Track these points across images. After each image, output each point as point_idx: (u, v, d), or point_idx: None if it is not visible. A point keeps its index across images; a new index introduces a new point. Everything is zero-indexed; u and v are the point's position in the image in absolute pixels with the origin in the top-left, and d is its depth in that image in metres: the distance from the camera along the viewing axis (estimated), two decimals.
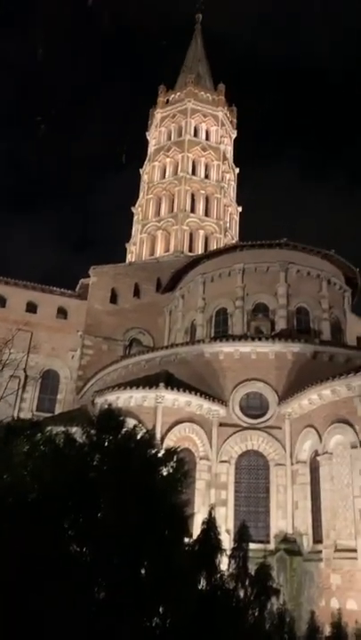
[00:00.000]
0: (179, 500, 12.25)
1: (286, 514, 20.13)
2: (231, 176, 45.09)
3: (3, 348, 21.59)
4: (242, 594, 11.49)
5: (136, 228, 42.77)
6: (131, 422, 15.93)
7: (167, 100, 46.32)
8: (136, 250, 41.20)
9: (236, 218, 44.33)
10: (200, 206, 40.81)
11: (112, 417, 12.62)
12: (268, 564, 12.19)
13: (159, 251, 39.36)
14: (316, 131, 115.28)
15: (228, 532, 18.47)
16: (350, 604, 16.20)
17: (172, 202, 40.79)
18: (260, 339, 23.46)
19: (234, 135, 47.54)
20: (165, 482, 12.24)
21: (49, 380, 31.56)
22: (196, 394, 21.57)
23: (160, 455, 13.13)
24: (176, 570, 10.81)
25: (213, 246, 38.71)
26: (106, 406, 14.55)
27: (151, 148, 45.18)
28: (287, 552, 19.06)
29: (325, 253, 29.24)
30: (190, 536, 13.05)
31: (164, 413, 20.81)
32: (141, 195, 43.88)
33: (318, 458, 19.07)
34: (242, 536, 12.33)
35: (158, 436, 19.86)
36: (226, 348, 23.17)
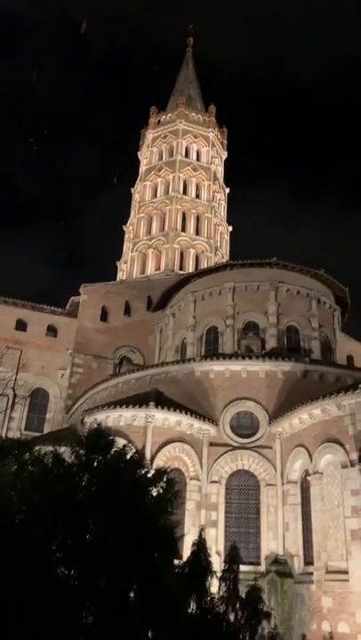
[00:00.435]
0: (168, 521, 12.12)
1: (277, 535, 19.92)
2: (222, 196, 45.58)
3: None
4: (232, 617, 11.32)
5: (127, 246, 42.95)
6: (120, 442, 15.79)
7: (159, 121, 46.94)
8: (127, 268, 41.32)
9: (227, 237, 44.69)
10: (191, 225, 41.12)
11: (101, 436, 12.52)
12: (258, 586, 12.06)
13: (150, 269, 39.49)
14: (305, 152, 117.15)
15: (218, 553, 18.23)
16: (342, 627, 15.97)
17: (164, 221, 41.08)
18: (250, 357, 23.47)
19: (224, 156, 48.17)
20: (155, 502, 12.12)
21: (38, 399, 31.26)
22: (186, 413, 21.44)
23: (150, 475, 13.02)
24: (166, 593, 10.64)
25: (204, 265, 38.90)
26: (95, 425, 14.46)
27: (142, 168, 45.62)
28: (278, 574, 18.82)
29: (315, 272, 29.47)
30: (180, 558, 12.90)
31: (155, 433, 20.64)
32: (132, 213, 44.17)
33: (309, 478, 18.95)
34: (232, 558, 12.21)
35: (148, 455, 19.71)
36: (216, 367, 23.15)
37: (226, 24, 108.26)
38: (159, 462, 19.61)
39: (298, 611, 17.89)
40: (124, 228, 44.79)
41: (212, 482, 21.07)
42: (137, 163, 48.19)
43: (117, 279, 41.52)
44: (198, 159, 44.61)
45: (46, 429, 29.92)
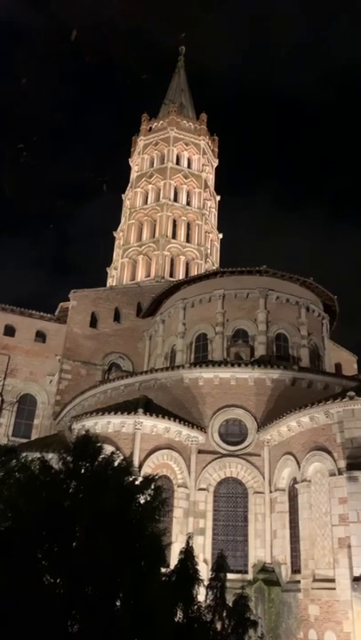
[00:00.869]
0: (156, 528, 12.09)
1: (265, 543, 19.89)
2: (212, 203, 45.77)
3: None
4: (219, 626, 11.30)
5: (117, 252, 42.93)
6: (108, 449, 15.76)
7: (150, 128, 47.11)
8: (117, 274, 41.28)
9: (217, 244, 44.84)
10: (181, 232, 41.22)
11: (89, 443, 12.48)
12: (245, 594, 12.07)
13: (140, 275, 39.49)
14: (297, 160, 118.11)
15: (205, 561, 18.18)
16: (328, 635, 15.95)
17: (154, 227, 41.15)
18: (239, 365, 23.50)
19: (215, 163, 48.42)
20: (142, 510, 12.08)
21: (26, 405, 31.03)
22: (175, 420, 21.40)
23: (138, 483, 12.98)
24: (152, 601, 10.59)
25: (194, 272, 38.97)
26: (83, 432, 14.39)
27: (134, 175, 45.71)
28: (265, 582, 18.78)
29: (304, 280, 29.64)
30: (167, 566, 12.86)
31: (143, 440, 20.56)
32: (123, 220, 44.20)
33: (297, 486, 18.96)
34: (219, 566, 12.20)
35: (136, 462, 19.64)
36: (205, 374, 23.15)
37: (218, 34, 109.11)
38: (147, 469, 19.54)
39: (285, 619, 17.84)
40: (115, 234, 44.80)
41: (200, 489, 21.01)
42: (128, 169, 48.31)
43: (107, 285, 41.46)
44: (189, 166, 44.80)
45: (34, 436, 29.70)
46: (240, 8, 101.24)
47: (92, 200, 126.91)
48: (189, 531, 19.02)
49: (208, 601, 11.51)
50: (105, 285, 41.43)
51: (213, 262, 42.80)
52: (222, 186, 50.27)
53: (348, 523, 16.30)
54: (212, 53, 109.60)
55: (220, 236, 45.35)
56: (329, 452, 17.84)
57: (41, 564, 10.36)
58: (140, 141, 46.39)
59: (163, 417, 21.18)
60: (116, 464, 12.66)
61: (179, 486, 20.90)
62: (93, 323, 32.58)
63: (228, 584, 12.39)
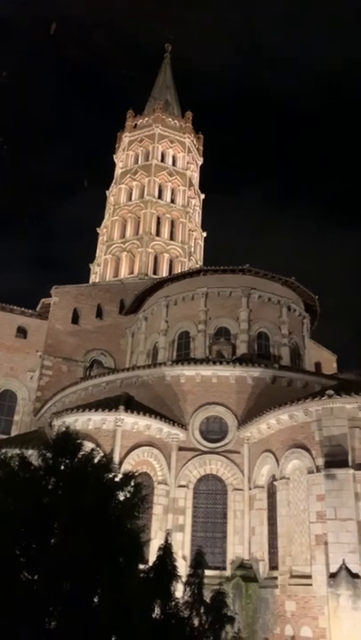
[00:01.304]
0: (135, 525, 12.11)
1: (243, 539, 20.07)
2: (197, 202, 45.84)
3: None
4: (196, 622, 11.37)
5: (100, 248, 42.77)
6: (88, 445, 15.72)
7: (135, 125, 46.96)
8: (100, 271, 41.13)
9: (201, 243, 44.93)
10: (165, 230, 41.20)
11: (69, 440, 12.44)
12: (223, 591, 12.15)
13: (123, 272, 39.40)
14: (283, 160, 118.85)
15: (184, 558, 18.27)
16: (305, 631, 16.18)
17: (138, 224, 41.07)
18: (221, 362, 23.63)
19: (200, 162, 48.48)
20: (122, 507, 12.09)
21: (6, 401, 30.81)
22: (156, 417, 21.45)
23: (117, 479, 13.00)
24: (130, 598, 10.62)
25: (178, 270, 39.02)
26: (63, 429, 14.34)
27: (118, 171, 45.55)
28: (243, 579, 18.96)
29: (286, 280, 29.88)
30: (146, 562, 12.90)
31: (124, 437, 20.58)
32: (107, 216, 44.03)
33: (276, 483, 19.17)
34: (198, 563, 12.27)
35: (117, 459, 19.64)
36: (187, 372, 23.23)
37: (205, 33, 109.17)
38: (127, 466, 19.57)
39: (262, 615, 18.04)
40: (98, 230, 44.62)
41: (180, 486, 21.11)
42: (112, 165, 48.11)
43: (90, 282, 41.27)
44: (174, 164, 44.79)
45: (14, 432, 29.52)
46: (228, 8, 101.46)
47: (75, 196, 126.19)
48: (169, 527, 19.10)
49: (186, 597, 11.56)
50: (88, 282, 41.25)
51: (197, 260, 42.90)
52: (208, 185, 50.35)
53: (326, 520, 16.54)
54: (199, 52, 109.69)
55: (204, 234, 45.45)
56: (308, 450, 18.06)
57: (19, 561, 10.33)
58: (125, 138, 46.24)
59: (144, 414, 21.21)
60: (95, 461, 12.64)
61: (159, 483, 20.98)
62: (75, 319, 32.45)
63: (206, 580, 12.47)
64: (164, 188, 42.93)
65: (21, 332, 32.02)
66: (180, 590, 11.73)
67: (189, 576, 11.96)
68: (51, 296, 32.47)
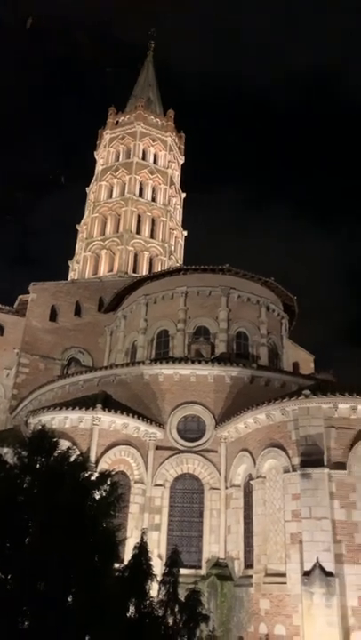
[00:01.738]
0: (110, 524, 12.08)
1: (219, 538, 20.14)
2: (178, 200, 45.81)
3: None
4: (171, 621, 11.38)
5: (80, 245, 42.46)
6: (65, 444, 15.63)
7: (117, 122, 46.73)
8: (79, 268, 40.83)
9: (182, 242, 44.94)
10: (146, 228, 41.10)
11: (45, 438, 12.35)
12: (198, 589, 12.20)
13: (103, 270, 39.17)
14: (264, 160, 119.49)
15: (160, 557, 18.25)
16: (278, 629, 16.31)
17: (118, 222, 40.88)
18: (199, 362, 23.65)
19: (182, 161, 48.46)
20: (97, 506, 12.04)
21: None
22: (133, 416, 21.38)
23: (94, 478, 12.94)
24: (105, 597, 10.58)
25: (158, 268, 38.96)
26: (39, 427, 14.21)
27: (99, 168, 45.27)
28: (218, 577, 19.02)
29: (265, 280, 30.09)
30: (121, 561, 12.86)
31: (101, 435, 20.46)
32: (87, 213, 43.73)
33: (252, 482, 19.26)
34: (173, 562, 12.29)
35: (93, 458, 19.55)
36: (166, 371, 23.21)
37: (187, 32, 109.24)
38: (104, 465, 19.47)
39: (236, 613, 18.13)
40: (78, 227, 44.29)
41: (157, 485, 21.08)
42: (93, 162, 47.81)
43: (69, 279, 40.94)
44: (155, 162, 44.70)
45: None
46: (213, 7, 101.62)
47: (55, 192, 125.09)
48: (145, 526, 19.06)
49: (161, 596, 11.59)
50: (66, 279, 40.90)
51: (177, 259, 42.89)
52: (189, 184, 50.32)
53: (301, 519, 16.69)
54: (182, 51, 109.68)
55: (185, 233, 45.46)
56: (284, 449, 18.19)
57: None
58: (107, 135, 45.98)
59: (121, 413, 21.12)
60: (72, 459, 12.58)
61: (135, 482, 20.92)
62: (53, 316, 32.17)
63: (181, 579, 12.50)
64: (145, 186, 42.82)
65: None
66: (155, 589, 11.74)
67: (165, 575, 11.98)
68: (28, 292, 32.11)
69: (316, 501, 16.65)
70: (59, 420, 20.57)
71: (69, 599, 10.20)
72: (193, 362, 23.61)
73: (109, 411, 20.85)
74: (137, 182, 42.30)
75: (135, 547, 12.01)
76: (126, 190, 41.76)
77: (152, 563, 11.87)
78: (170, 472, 21.46)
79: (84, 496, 11.85)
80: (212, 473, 21.21)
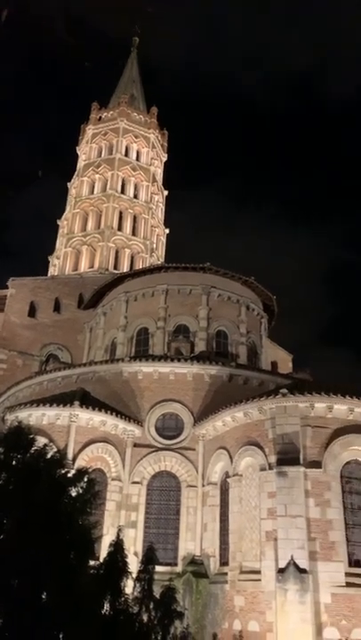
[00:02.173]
0: (87, 521, 12.06)
1: (195, 536, 20.23)
2: (160, 198, 45.73)
3: None
4: (146, 618, 11.40)
5: (60, 241, 42.12)
6: (41, 441, 15.54)
7: (100, 118, 46.43)
8: (59, 264, 40.51)
9: (163, 239, 44.89)
10: (127, 225, 40.95)
11: (22, 435, 12.28)
12: (173, 586, 12.24)
13: (83, 266, 38.92)
14: (246, 159, 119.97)
15: (136, 554, 18.26)
16: (252, 625, 16.45)
17: (100, 218, 40.65)
18: (179, 360, 23.69)
19: (164, 158, 48.39)
20: (74, 503, 12.00)
21: None
22: (111, 413, 21.33)
23: (70, 475, 12.89)
24: (79, 595, 10.55)
25: (139, 266, 38.85)
26: (16, 423, 14.11)
27: (81, 163, 44.97)
28: (194, 574, 19.10)
29: (246, 280, 30.24)
30: (97, 558, 12.85)
31: (78, 432, 20.37)
32: (68, 208, 43.40)
33: (229, 480, 19.38)
34: (148, 559, 12.30)
35: (70, 455, 19.47)
36: (145, 368, 23.20)
37: (173, 31, 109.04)
38: (81, 462, 19.41)
39: (211, 610, 18.24)
40: (59, 222, 43.91)
41: (134, 482, 21.08)
42: (75, 157, 47.45)
43: (49, 274, 40.60)
44: (138, 159, 44.55)
45: None
46: (199, 4, 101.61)
47: (35, 186, 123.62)
48: (121, 523, 19.04)
49: (136, 593, 11.58)
50: (46, 274, 40.56)
51: (159, 257, 42.84)
52: (171, 182, 50.24)
53: (276, 516, 16.86)
54: (167, 50, 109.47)
55: (167, 231, 45.43)
56: (261, 448, 18.34)
57: None
58: (89, 130, 45.67)
59: (99, 410, 21.06)
60: (48, 456, 12.52)
61: (112, 479, 20.89)
62: (32, 312, 31.86)
63: (157, 576, 12.52)
64: (127, 183, 42.66)
65: None
66: (130, 586, 11.74)
67: (140, 572, 11.98)
68: (7, 288, 31.74)
69: (292, 499, 16.84)
70: (36, 416, 20.42)
71: (44, 596, 10.16)
72: (172, 360, 23.64)
73: (87, 408, 20.77)
74: (119, 179, 42.13)
75: (111, 544, 12.00)
76: (108, 186, 41.56)
77: (128, 560, 11.87)
78: (147, 469, 21.47)
79: (60, 493, 11.80)
80: (190, 471, 21.28)
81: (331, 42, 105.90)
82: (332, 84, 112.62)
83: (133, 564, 12.90)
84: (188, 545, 20.19)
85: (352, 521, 17.24)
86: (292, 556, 15.96)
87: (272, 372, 28.29)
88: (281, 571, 15.98)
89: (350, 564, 16.55)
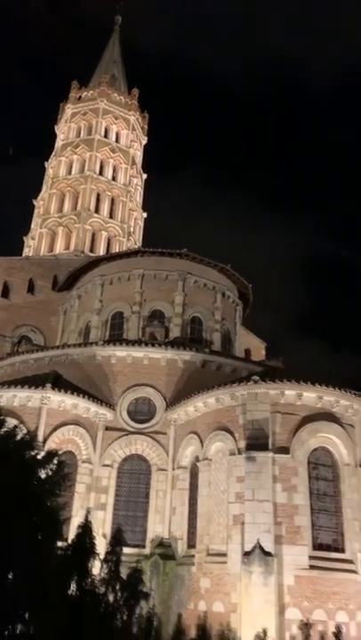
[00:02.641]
0: (55, 503, 12.06)
1: (164, 518, 20.43)
2: (139, 181, 45.30)
3: None
4: (112, 598, 11.52)
5: (36, 221, 41.43)
6: (12, 422, 15.43)
7: (79, 97, 45.55)
8: (34, 244, 39.89)
9: (141, 223, 44.56)
10: (105, 207, 40.49)
11: None
12: (140, 568, 12.38)
13: (59, 248, 38.41)
14: (226, 144, 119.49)
15: (104, 536, 18.36)
16: (217, 606, 16.78)
17: (77, 200, 40.07)
18: (153, 345, 23.70)
19: (144, 141, 47.85)
20: (43, 484, 11.98)
21: None
22: (83, 397, 21.28)
23: (40, 457, 12.84)
24: (46, 575, 10.59)
25: (116, 249, 38.54)
26: None
27: (59, 143, 44.16)
28: (161, 556, 19.34)
29: (222, 267, 30.31)
30: (65, 540, 12.87)
31: (49, 415, 20.29)
32: (44, 188, 42.65)
33: (198, 464, 19.59)
34: (117, 540, 12.41)
35: (41, 437, 19.42)
36: (119, 352, 23.15)
37: (157, 14, 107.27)
38: (52, 444, 19.37)
39: (177, 591, 18.52)
40: (35, 202, 43.16)
41: (105, 465, 21.14)
42: (54, 136, 46.56)
43: (23, 255, 39.98)
44: (117, 141, 43.96)
45: None
46: None
47: (12, 165, 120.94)
48: (91, 506, 19.11)
49: (103, 574, 11.69)
50: (21, 255, 39.92)
51: (136, 241, 42.54)
52: (151, 165, 49.73)
53: (244, 501, 17.14)
54: (151, 34, 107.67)
55: (145, 215, 45.08)
56: (231, 433, 18.57)
57: None
58: (68, 109, 44.82)
59: (71, 393, 20.99)
60: (18, 438, 12.45)
61: (83, 462, 20.90)
62: (5, 293, 31.44)
63: (125, 558, 12.64)
64: (105, 165, 42.09)
65: None
66: (97, 567, 11.83)
67: (107, 553, 12.08)
68: None
69: (260, 484, 17.13)
70: (7, 397, 20.26)
71: (10, 577, 10.17)
72: (146, 345, 23.65)
73: (59, 390, 20.68)
74: (97, 160, 41.54)
75: (79, 526, 12.05)
76: (86, 167, 40.95)
77: (96, 542, 11.95)
78: (118, 453, 21.55)
79: (29, 475, 11.77)
80: (161, 454, 21.43)
81: (316, 27, 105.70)
82: (313, 70, 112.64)
83: (102, 546, 12.99)
84: (156, 527, 20.40)
85: (317, 506, 17.66)
86: (258, 540, 16.27)
87: (245, 360, 28.54)
88: (247, 554, 16.30)
89: (314, 548, 16.99)
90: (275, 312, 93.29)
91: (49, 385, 20.42)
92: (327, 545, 17.37)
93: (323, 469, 18.29)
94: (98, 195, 40.37)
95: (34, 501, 11.21)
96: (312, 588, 16.21)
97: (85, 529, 11.79)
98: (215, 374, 22.63)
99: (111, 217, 40.58)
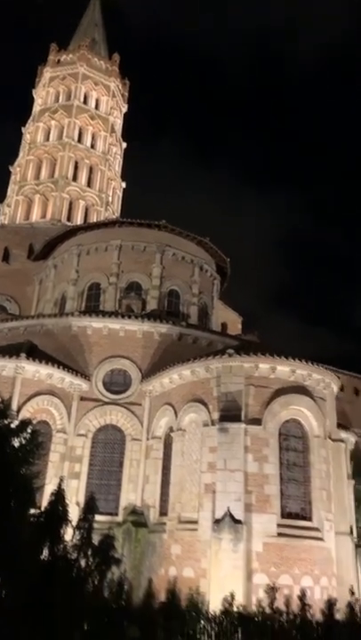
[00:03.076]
0: (29, 471, 12.14)
1: (137, 487, 20.76)
2: (118, 150, 44.51)
3: None
4: (84, 563, 11.75)
5: (12, 188, 40.53)
6: None
7: (58, 61, 44.22)
8: (10, 212, 39.09)
9: (119, 193, 43.95)
10: (83, 175, 39.77)
11: None
12: (112, 534, 12.60)
13: (35, 216, 37.74)
14: (209, 116, 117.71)
15: (78, 504, 18.59)
16: (187, 571, 17.26)
17: (54, 167, 39.25)
18: (129, 317, 23.67)
19: (124, 109, 46.86)
20: (16, 453, 12.03)
21: None
22: (58, 367, 21.23)
23: (14, 426, 12.85)
24: (19, 541, 10.72)
25: (93, 218, 38.07)
26: None
27: (37, 108, 42.96)
28: (133, 524, 19.71)
29: (201, 240, 30.19)
30: (39, 507, 13.01)
31: (24, 384, 20.22)
32: (22, 154, 41.62)
33: (172, 434, 19.86)
34: (89, 508, 12.59)
35: (15, 406, 19.41)
36: (95, 324, 23.07)
37: None
38: (26, 414, 19.37)
39: (149, 558, 18.97)
40: (11, 168, 42.12)
41: (79, 435, 21.27)
42: (31, 101, 45.21)
43: None
44: (97, 108, 42.97)
45: None
46: None
47: None
48: (64, 474, 19.26)
49: (75, 541, 11.88)
50: None
51: (114, 211, 42.02)
52: (131, 134, 48.97)
53: (216, 470, 17.50)
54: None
55: (124, 185, 44.45)
56: (205, 404, 18.82)
57: None
58: (47, 73, 43.52)
59: (46, 363, 20.91)
60: None
61: (57, 431, 20.99)
62: None
63: (98, 525, 12.85)
64: (84, 132, 41.20)
65: None
66: (70, 534, 12.02)
67: (80, 520, 12.26)
68: None
69: (232, 454, 17.48)
70: None
71: None
72: (123, 316, 23.60)
73: (34, 360, 20.59)
74: (76, 127, 40.62)
75: (52, 493, 12.17)
76: (64, 134, 40.04)
77: (69, 509, 12.11)
78: (93, 423, 21.68)
79: (2, 443, 11.80)
80: (135, 425, 21.64)
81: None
82: (302, 46, 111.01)
83: (75, 514, 13.17)
84: (129, 496, 20.73)
85: (287, 476, 18.13)
86: (228, 508, 16.68)
87: (221, 333, 28.74)
88: (217, 521, 16.72)
89: (283, 516, 17.49)
90: (253, 287, 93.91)
91: (23, 355, 20.30)
92: (295, 513, 17.90)
93: (293, 440, 18.73)
94: (76, 162, 39.63)
95: (7, 469, 11.26)
96: (279, 554, 16.75)
97: (58, 496, 11.92)
98: (191, 347, 22.77)
99: (89, 186, 39.94)
